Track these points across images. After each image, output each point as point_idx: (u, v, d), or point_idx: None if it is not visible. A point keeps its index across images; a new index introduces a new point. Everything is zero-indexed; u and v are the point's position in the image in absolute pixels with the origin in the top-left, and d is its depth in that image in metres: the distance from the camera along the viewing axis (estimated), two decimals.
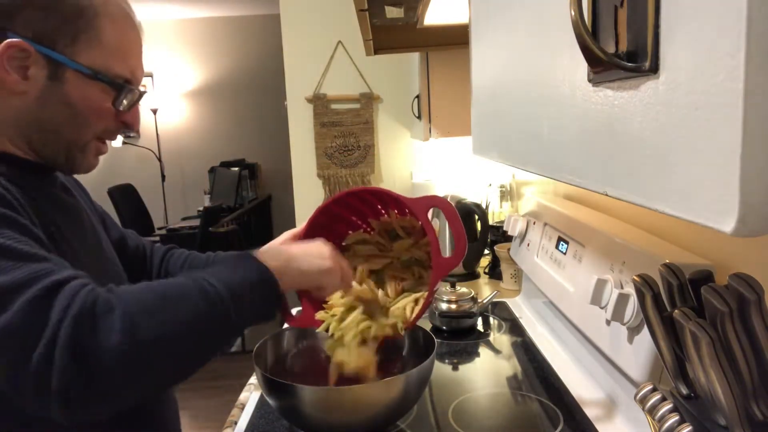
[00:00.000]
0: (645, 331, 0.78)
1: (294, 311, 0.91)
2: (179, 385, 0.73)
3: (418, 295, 0.91)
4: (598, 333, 0.93)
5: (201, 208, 4.69)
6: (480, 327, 1.39)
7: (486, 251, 1.86)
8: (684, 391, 0.59)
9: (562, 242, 1.16)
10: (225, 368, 3.28)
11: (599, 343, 0.93)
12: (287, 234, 0.98)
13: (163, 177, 5.47)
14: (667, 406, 0.59)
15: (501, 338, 1.33)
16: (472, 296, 1.35)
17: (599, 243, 0.99)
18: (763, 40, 0.29)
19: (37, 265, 0.59)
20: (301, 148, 2.95)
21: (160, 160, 5.49)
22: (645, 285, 0.60)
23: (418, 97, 2.09)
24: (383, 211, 1.00)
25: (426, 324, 1.31)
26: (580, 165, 0.52)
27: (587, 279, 0.91)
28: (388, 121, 2.97)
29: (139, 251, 1.02)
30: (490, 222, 1.87)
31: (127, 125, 0.80)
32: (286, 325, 0.96)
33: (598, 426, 0.90)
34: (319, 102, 2.90)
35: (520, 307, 1.50)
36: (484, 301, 1.37)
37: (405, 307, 0.89)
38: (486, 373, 1.17)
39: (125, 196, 5.03)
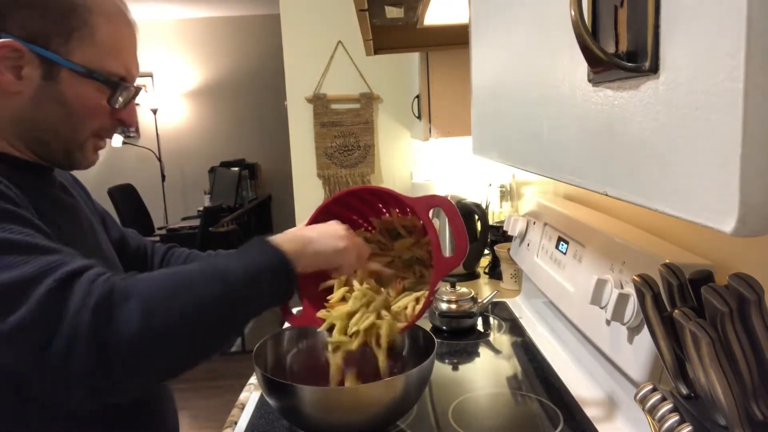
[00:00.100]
0: (645, 331, 0.78)
1: (294, 311, 0.91)
2: (179, 384, 0.73)
3: (419, 294, 0.91)
4: (598, 333, 0.93)
5: (201, 208, 4.69)
6: (480, 327, 1.39)
7: (486, 251, 1.86)
8: (684, 391, 0.59)
9: (562, 242, 1.16)
10: (225, 368, 3.28)
11: (599, 343, 0.93)
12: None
13: (163, 177, 5.47)
14: (667, 406, 0.59)
15: (501, 338, 1.33)
16: (472, 296, 1.35)
17: (599, 243, 0.99)
18: (763, 40, 0.29)
19: (48, 257, 0.60)
20: (301, 148, 2.95)
21: (160, 160, 5.49)
22: (645, 285, 0.60)
23: (418, 97, 2.09)
24: (384, 211, 1.00)
25: (426, 324, 1.30)
26: (580, 165, 0.52)
27: (587, 279, 0.91)
28: (388, 121, 2.97)
29: (140, 251, 1.02)
30: (490, 222, 1.87)
31: (124, 122, 0.80)
32: (286, 325, 0.95)
33: (598, 426, 0.90)
34: (319, 102, 2.90)
35: (520, 307, 1.50)
36: (484, 301, 1.37)
37: (406, 305, 0.89)
38: (486, 373, 1.17)
39: (125, 196, 5.04)
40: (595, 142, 0.48)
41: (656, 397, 0.61)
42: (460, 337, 1.33)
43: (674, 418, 0.58)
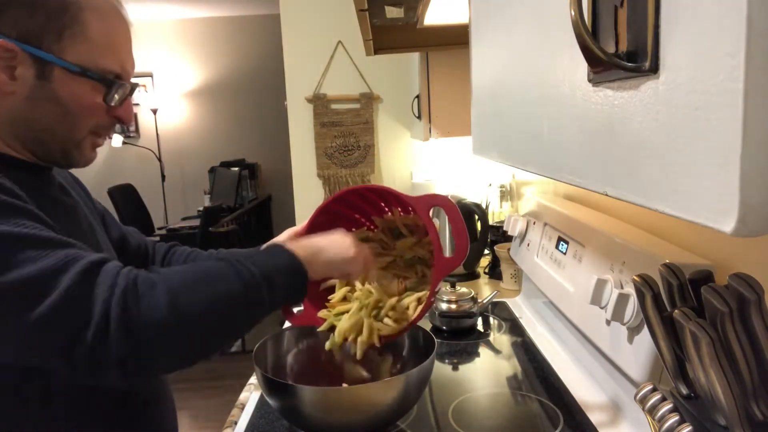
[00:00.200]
0: (645, 331, 0.78)
1: (295, 310, 0.91)
2: (178, 384, 0.74)
3: (420, 294, 0.91)
4: (598, 333, 0.93)
5: (201, 208, 4.69)
6: (480, 327, 1.39)
7: (486, 251, 1.86)
8: (684, 391, 0.59)
9: (562, 242, 1.16)
10: (225, 368, 3.29)
11: (599, 343, 0.93)
12: (289, 231, 0.98)
13: (163, 177, 5.47)
14: (667, 406, 0.59)
15: (501, 338, 1.33)
16: (472, 296, 1.35)
17: (599, 243, 0.99)
18: (763, 40, 0.29)
19: (67, 250, 0.62)
20: (301, 148, 2.95)
21: (160, 160, 5.49)
22: (645, 285, 0.60)
23: (418, 97, 2.09)
24: (386, 209, 1.00)
25: (426, 324, 1.30)
26: (580, 165, 0.52)
27: (587, 279, 0.91)
28: (388, 121, 2.97)
29: (140, 249, 1.02)
30: (490, 222, 1.87)
31: (121, 120, 0.79)
32: (286, 325, 0.96)
33: (598, 426, 0.90)
34: (319, 102, 2.90)
35: (520, 307, 1.50)
36: (484, 301, 1.37)
37: (408, 305, 0.89)
38: (486, 373, 1.17)
39: (125, 196, 5.04)
40: (595, 142, 0.48)
41: (656, 397, 0.61)
42: (460, 337, 1.33)
43: (674, 418, 0.58)
